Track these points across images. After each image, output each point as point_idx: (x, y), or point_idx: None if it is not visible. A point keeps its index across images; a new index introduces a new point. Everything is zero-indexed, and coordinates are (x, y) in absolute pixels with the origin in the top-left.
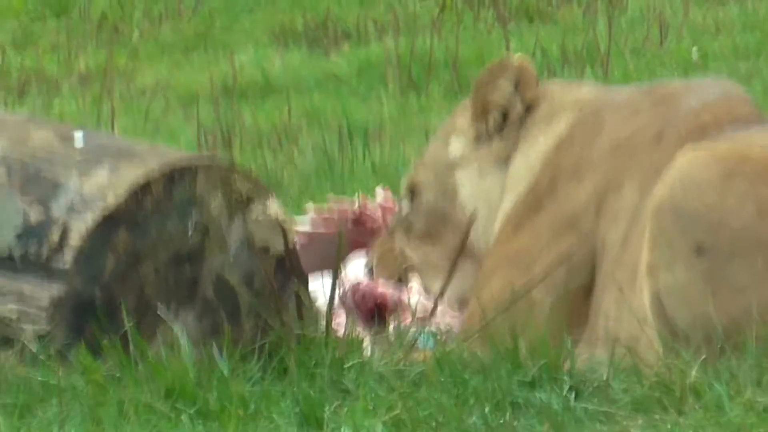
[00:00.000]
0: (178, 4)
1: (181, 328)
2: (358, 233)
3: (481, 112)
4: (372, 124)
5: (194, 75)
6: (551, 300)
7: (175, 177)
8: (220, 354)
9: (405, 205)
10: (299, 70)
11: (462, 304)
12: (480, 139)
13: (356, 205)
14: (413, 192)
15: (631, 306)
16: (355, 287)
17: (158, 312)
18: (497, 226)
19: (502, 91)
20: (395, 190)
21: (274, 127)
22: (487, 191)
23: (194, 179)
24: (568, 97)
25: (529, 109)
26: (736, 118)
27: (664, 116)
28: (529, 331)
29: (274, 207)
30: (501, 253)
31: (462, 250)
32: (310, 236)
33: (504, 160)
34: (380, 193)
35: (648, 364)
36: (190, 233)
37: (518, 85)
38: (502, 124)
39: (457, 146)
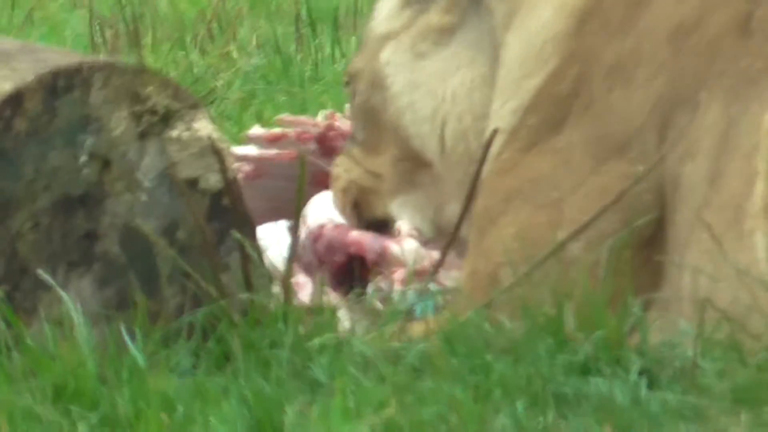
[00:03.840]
0: None
1: (73, 299)
2: (325, 159)
3: None
4: (344, 7)
5: None
6: (594, 256)
7: (58, 87)
8: (132, 335)
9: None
10: None
11: (429, 232)
12: (406, 6)
13: (321, 119)
14: (351, 81)
15: (734, 258)
16: (317, 234)
17: (39, 277)
18: (492, 141)
19: None
20: None
21: (202, 14)
22: (435, 78)
23: (87, 89)
24: None
25: None
26: None
27: None
28: (570, 293)
29: (204, 124)
30: (509, 182)
31: (471, 199)
32: (258, 163)
33: (451, 34)
34: None
35: (755, 335)
36: (82, 165)
37: None
38: None
39: (383, 12)
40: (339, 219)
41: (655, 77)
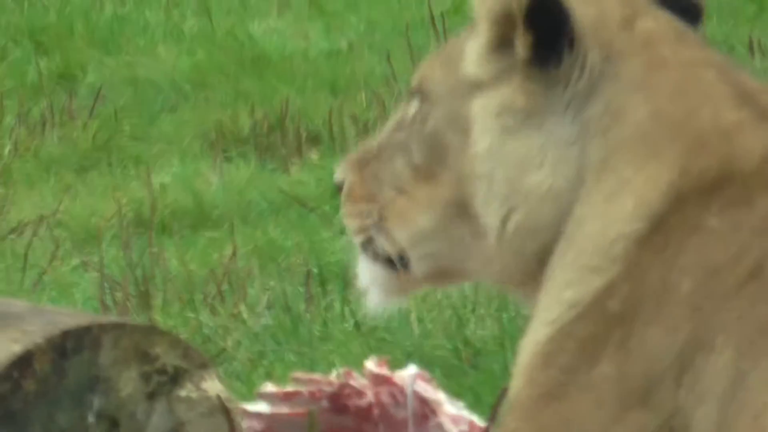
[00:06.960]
0: (67, 103)
1: None
2: (338, 417)
3: (496, 33)
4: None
5: (93, 203)
6: None
7: (67, 348)
8: None
9: (413, 106)
10: (246, 191)
11: (423, 270)
12: (499, 54)
13: (335, 378)
14: (422, 93)
15: None
16: None
17: None
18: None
19: None
20: (396, 363)
21: (212, 273)
22: (517, 164)
23: (96, 350)
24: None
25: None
26: None
27: None
28: None
29: (213, 384)
30: (546, 419)
31: (496, 410)
32: (269, 420)
33: (539, 120)
34: (371, 367)
35: None
36: (90, 426)
37: None
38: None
39: (473, 54)
40: None
41: (686, 321)
